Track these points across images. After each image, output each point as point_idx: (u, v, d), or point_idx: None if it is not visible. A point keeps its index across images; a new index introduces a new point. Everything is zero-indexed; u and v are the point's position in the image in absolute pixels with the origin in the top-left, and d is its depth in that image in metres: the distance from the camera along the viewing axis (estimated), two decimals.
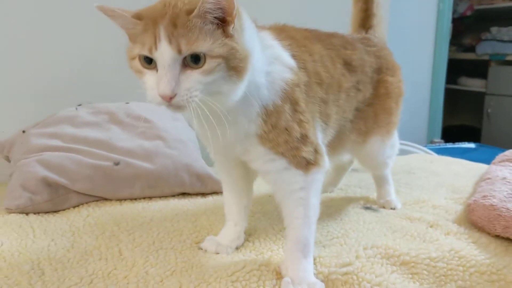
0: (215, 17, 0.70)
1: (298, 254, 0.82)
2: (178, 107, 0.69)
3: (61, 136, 1.30)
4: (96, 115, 1.41)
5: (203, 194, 1.31)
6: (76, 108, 1.43)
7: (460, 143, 2.54)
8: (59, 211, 1.17)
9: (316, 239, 0.96)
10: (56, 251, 0.93)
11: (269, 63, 0.81)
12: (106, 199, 1.24)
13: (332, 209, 1.16)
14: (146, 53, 0.70)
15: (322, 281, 0.82)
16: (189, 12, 0.69)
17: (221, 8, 0.69)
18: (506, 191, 1.08)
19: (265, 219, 1.10)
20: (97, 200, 1.23)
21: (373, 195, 1.28)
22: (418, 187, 1.37)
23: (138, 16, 0.72)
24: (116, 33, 0.77)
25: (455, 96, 3.60)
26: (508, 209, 0.99)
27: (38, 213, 1.14)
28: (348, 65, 1.00)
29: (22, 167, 1.20)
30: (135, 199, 1.25)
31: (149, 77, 0.72)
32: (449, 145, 2.50)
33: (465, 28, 3.63)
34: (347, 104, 1.00)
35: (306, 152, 0.82)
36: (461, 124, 3.80)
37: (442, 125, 2.94)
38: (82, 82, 1.60)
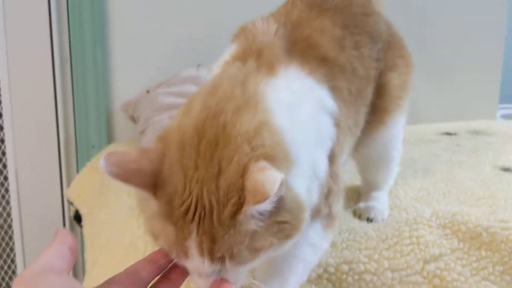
0: None
1: None
2: None
3: (187, 95, 1.31)
4: None
5: None
6: (197, 69, 1.47)
7: None
8: None
9: (464, 200, 0.92)
10: None
11: (316, 142, 0.59)
12: None
13: (470, 172, 1.09)
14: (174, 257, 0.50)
15: (480, 232, 0.78)
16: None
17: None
18: None
19: None
20: None
21: (507, 157, 1.19)
22: None
23: (156, 186, 0.49)
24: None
25: None
26: None
27: None
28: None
29: (156, 123, 1.26)
30: None
31: None
32: None
33: None
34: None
35: None
36: None
37: None
38: (202, 44, 1.59)
